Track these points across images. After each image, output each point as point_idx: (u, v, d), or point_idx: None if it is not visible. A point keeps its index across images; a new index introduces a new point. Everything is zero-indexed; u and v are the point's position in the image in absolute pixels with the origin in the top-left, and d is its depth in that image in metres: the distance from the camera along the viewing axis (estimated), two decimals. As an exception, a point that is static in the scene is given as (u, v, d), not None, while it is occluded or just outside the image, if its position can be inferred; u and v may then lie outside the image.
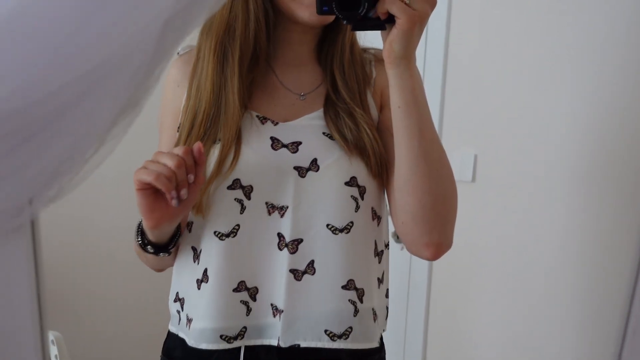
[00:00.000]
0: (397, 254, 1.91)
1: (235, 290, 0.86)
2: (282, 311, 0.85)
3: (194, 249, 0.90)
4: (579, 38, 1.52)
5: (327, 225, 0.85)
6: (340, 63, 0.90)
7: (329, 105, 0.88)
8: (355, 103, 0.88)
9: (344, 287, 0.87)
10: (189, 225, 0.91)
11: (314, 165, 0.85)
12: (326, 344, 0.86)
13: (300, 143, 0.86)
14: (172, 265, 0.94)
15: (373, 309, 0.90)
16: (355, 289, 0.88)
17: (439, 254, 0.84)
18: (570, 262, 1.58)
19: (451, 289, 1.86)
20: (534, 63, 1.61)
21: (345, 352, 0.89)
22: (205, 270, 0.87)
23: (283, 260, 0.85)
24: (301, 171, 0.85)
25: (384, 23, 0.74)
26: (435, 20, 1.79)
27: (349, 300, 0.87)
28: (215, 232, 0.86)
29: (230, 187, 0.84)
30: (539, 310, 1.66)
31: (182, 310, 0.91)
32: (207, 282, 0.86)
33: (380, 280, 0.93)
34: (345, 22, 0.74)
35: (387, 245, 0.96)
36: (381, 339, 0.97)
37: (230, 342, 0.86)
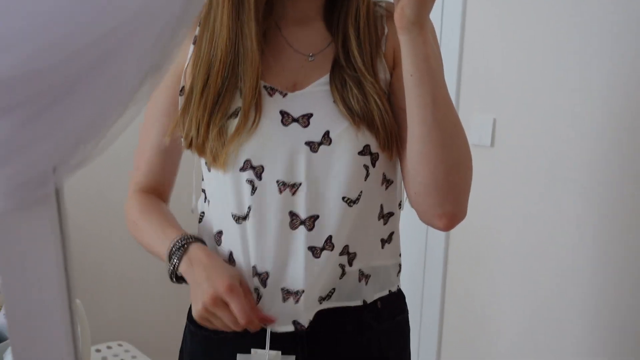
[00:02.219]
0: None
1: (249, 275, 0.86)
2: (303, 291, 0.84)
3: (210, 227, 0.90)
4: (613, 5, 1.47)
5: (343, 198, 0.84)
6: (355, 22, 0.86)
7: (336, 71, 0.85)
8: (366, 69, 0.84)
9: (340, 254, 0.86)
10: (201, 215, 0.92)
11: (326, 138, 0.83)
12: (315, 307, 0.87)
13: (311, 115, 0.83)
14: None
15: (360, 270, 0.89)
16: (348, 253, 0.87)
17: (452, 224, 0.83)
18: (591, 239, 1.56)
19: (468, 256, 1.85)
20: (556, 26, 1.56)
21: (349, 314, 0.89)
22: (231, 254, 0.87)
23: (299, 238, 0.84)
24: (313, 146, 0.83)
25: None
26: (453, -19, 1.74)
27: (339, 264, 0.87)
28: (232, 215, 0.85)
29: (241, 169, 0.83)
30: (557, 283, 1.64)
31: None
32: (234, 265, 0.87)
33: (385, 241, 0.92)
34: None
35: (400, 205, 0.94)
36: (403, 298, 0.98)
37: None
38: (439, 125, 0.75)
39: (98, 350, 2.04)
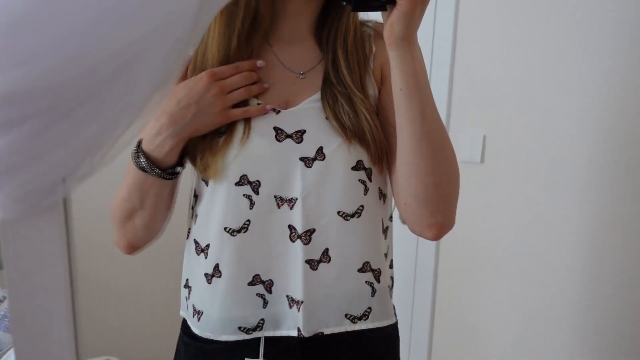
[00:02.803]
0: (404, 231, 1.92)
1: (250, 283, 0.87)
2: (302, 302, 0.86)
3: (196, 242, 0.91)
4: (594, 16, 1.50)
5: (338, 212, 0.85)
6: (344, 43, 0.89)
7: (327, 88, 0.87)
8: (355, 86, 0.87)
9: (359, 270, 0.87)
10: (195, 217, 0.92)
11: (320, 153, 0.85)
12: (348, 327, 0.87)
13: (304, 132, 0.85)
14: (149, 239, 0.93)
15: (389, 286, 0.92)
16: (372, 270, 0.89)
17: (441, 234, 0.85)
18: (581, 249, 1.58)
19: (458, 273, 1.87)
20: (548, 44, 1.59)
21: (367, 332, 0.90)
22: (217, 266, 0.87)
23: (297, 251, 0.85)
24: (307, 161, 0.85)
25: (385, 3, 0.72)
26: (446, -1, 1.76)
27: (366, 282, 0.88)
28: (225, 228, 0.86)
29: (237, 184, 0.84)
30: (547, 293, 1.66)
31: (189, 299, 0.92)
32: (220, 276, 0.87)
33: (386, 255, 0.94)
34: (344, 2, 0.73)
35: (391, 218, 0.97)
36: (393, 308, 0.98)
37: (249, 333, 0.87)
38: (428, 137, 0.78)
39: (86, 362, 2.02)
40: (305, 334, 0.86)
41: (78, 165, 0.36)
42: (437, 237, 0.85)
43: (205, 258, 0.89)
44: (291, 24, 0.90)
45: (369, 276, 0.88)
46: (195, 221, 0.91)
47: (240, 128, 0.84)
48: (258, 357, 0.86)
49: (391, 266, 0.97)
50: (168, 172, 0.84)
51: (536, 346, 1.69)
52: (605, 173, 1.52)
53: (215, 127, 0.83)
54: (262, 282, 0.87)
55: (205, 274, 0.88)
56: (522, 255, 1.70)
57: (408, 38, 0.73)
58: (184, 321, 0.96)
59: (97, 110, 0.33)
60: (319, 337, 0.87)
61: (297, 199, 0.84)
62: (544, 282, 1.66)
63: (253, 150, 0.84)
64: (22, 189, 0.35)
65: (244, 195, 0.85)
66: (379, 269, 0.90)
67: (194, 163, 0.87)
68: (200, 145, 0.85)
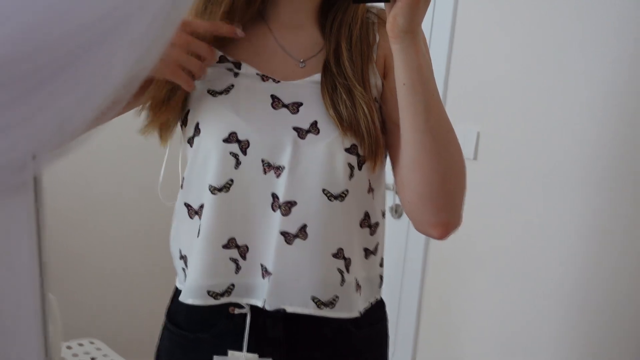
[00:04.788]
0: (394, 226, 1.91)
1: (225, 246, 0.84)
2: (271, 274, 0.83)
3: (187, 205, 0.88)
4: (592, 14, 1.48)
5: (323, 190, 0.83)
6: (349, 34, 0.86)
7: (327, 76, 0.85)
8: (356, 79, 0.84)
9: (334, 256, 0.85)
10: (182, 181, 0.90)
11: (314, 128, 0.82)
12: (312, 311, 0.84)
13: (301, 104, 0.83)
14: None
15: (356, 279, 0.89)
16: (344, 258, 0.86)
17: (447, 233, 0.82)
18: (575, 249, 1.57)
19: (447, 270, 1.86)
20: (543, 40, 1.58)
21: (328, 321, 0.87)
22: (199, 227, 0.85)
23: (275, 221, 0.83)
24: (301, 132, 0.82)
25: None
26: (445, -7, 1.75)
27: (337, 269, 0.85)
28: (209, 186, 0.83)
29: (226, 140, 0.82)
30: (537, 294, 1.65)
31: (187, 267, 0.89)
32: (197, 236, 0.84)
33: (371, 252, 0.91)
34: None
35: (383, 215, 0.94)
36: (383, 306, 0.97)
37: (217, 299, 0.84)
38: (432, 132, 0.75)
39: (69, 347, 2.01)
40: (268, 307, 0.84)
41: (49, 142, 0.34)
42: (443, 236, 0.82)
43: (199, 219, 0.86)
44: (293, 7, 0.87)
45: (340, 263, 0.85)
46: (182, 186, 0.89)
47: (240, 88, 0.83)
48: (229, 331, 0.84)
49: (381, 264, 0.95)
50: None
51: (521, 351, 1.68)
52: (599, 171, 1.51)
53: (160, 77, 0.80)
54: (237, 247, 0.84)
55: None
56: (514, 255, 1.68)
57: (412, 31, 0.70)
58: (169, 307, 0.94)
59: (70, 83, 0.31)
60: (280, 314, 0.84)
61: (284, 168, 0.82)
62: (535, 282, 1.65)
63: (247, 111, 0.82)
64: (-13, 166, 0.33)
65: (230, 152, 0.82)
66: (350, 259, 0.86)
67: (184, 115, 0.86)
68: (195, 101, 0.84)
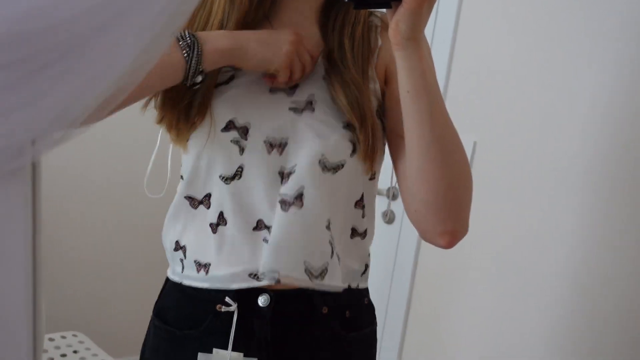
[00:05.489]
0: (385, 230, 1.90)
1: (256, 229, 0.84)
2: (267, 241, 0.83)
3: (190, 198, 0.88)
4: (589, 25, 1.49)
5: (320, 161, 0.83)
6: (351, 33, 0.86)
7: (334, 67, 0.85)
8: (358, 75, 0.84)
9: (327, 228, 0.85)
10: (180, 179, 0.89)
11: (310, 105, 0.83)
12: (304, 283, 0.84)
13: (297, 86, 0.84)
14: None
15: (337, 255, 0.88)
16: (330, 230, 0.86)
17: (454, 241, 0.81)
18: (571, 259, 1.57)
19: (437, 278, 1.86)
20: (541, 50, 1.58)
21: (345, 337, 0.88)
22: (222, 214, 0.85)
23: (276, 191, 0.83)
24: (297, 110, 0.83)
25: (389, 1, 0.68)
26: (445, 3, 1.75)
27: (328, 241, 0.85)
28: (220, 176, 0.84)
29: (224, 129, 0.82)
30: (530, 306, 1.66)
31: (186, 258, 0.88)
32: (225, 224, 0.85)
33: (360, 234, 0.91)
34: None
35: (373, 206, 0.94)
36: (372, 309, 0.96)
37: (259, 280, 0.84)
38: (437, 141, 0.75)
39: (51, 340, 1.99)
40: (261, 270, 0.83)
41: (49, 128, 0.33)
42: (449, 245, 0.81)
43: (208, 208, 0.86)
44: (295, 7, 0.87)
45: (329, 236, 0.86)
46: (183, 180, 0.88)
47: (240, 77, 0.84)
48: (217, 330, 0.83)
49: (368, 252, 0.95)
50: (193, 74, 0.79)
51: None
52: (597, 181, 1.52)
53: (270, 66, 0.81)
54: (267, 227, 0.84)
55: (210, 224, 0.85)
56: (508, 262, 1.69)
57: (415, 37, 0.69)
58: (156, 303, 0.93)
59: (73, 69, 0.30)
60: (271, 313, 0.84)
61: (287, 143, 0.83)
62: (528, 290, 1.65)
63: (242, 96, 0.83)
64: (-15, 149, 0.32)
65: (231, 140, 0.82)
66: (337, 233, 0.87)
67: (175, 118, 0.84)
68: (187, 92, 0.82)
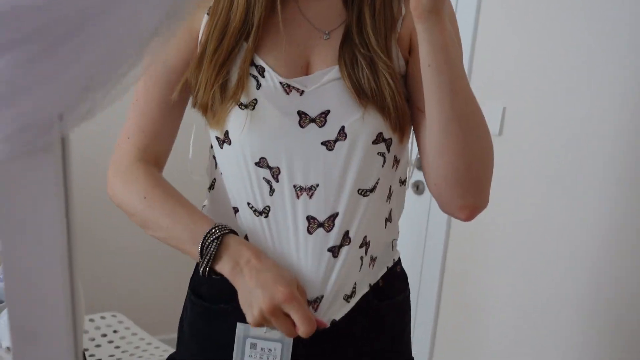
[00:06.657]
0: (415, 203, 1.89)
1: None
2: (322, 297, 0.82)
3: (226, 206, 0.88)
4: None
5: (358, 190, 0.82)
6: (372, 1, 0.83)
7: (346, 48, 0.82)
8: (380, 49, 0.82)
9: (359, 246, 0.85)
10: (212, 182, 0.90)
11: (342, 134, 0.81)
12: (344, 308, 0.85)
13: (327, 112, 0.81)
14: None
15: (371, 256, 0.88)
16: (366, 244, 0.86)
17: (473, 215, 0.82)
18: (604, 221, 1.53)
19: (469, 247, 1.84)
20: (571, 16, 1.53)
21: (377, 303, 0.89)
22: (246, 237, 0.85)
23: (317, 241, 0.81)
24: (329, 144, 0.81)
25: None
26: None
27: (360, 257, 0.85)
28: (249, 204, 0.84)
29: (258, 164, 0.81)
30: (559, 274, 1.63)
31: None
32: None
33: (387, 220, 0.90)
34: None
35: (403, 182, 0.93)
36: (405, 277, 0.96)
37: None
38: (458, 116, 0.73)
39: (91, 320, 2.03)
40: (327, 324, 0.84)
41: (77, 100, 0.32)
42: (469, 218, 0.82)
43: (236, 219, 0.87)
44: None
45: (362, 251, 0.86)
46: (222, 176, 0.88)
47: (264, 105, 0.80)
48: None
49: (397, 228, 0.94)
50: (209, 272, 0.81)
51: (540, 329, 1.66)
52: (625, 146, 1.47)
53: (246, 313, 0.80)
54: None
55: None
56: (537, 230, 1.66)
57: (437, 10, 0.68)
58: (192, 279, 0.93)
59: (95, 38, 0.29)
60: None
61: (318, 185, 0.81)
62: (557, 267, 1.62)
63: (275, 135, 0.80)
64: (13, 125, 0.31)
65: (264, 178, 0.82)
66: (370, 241, 0.87)
67: (205, 112, 0.84)
68: (212, 93, 0.81)
